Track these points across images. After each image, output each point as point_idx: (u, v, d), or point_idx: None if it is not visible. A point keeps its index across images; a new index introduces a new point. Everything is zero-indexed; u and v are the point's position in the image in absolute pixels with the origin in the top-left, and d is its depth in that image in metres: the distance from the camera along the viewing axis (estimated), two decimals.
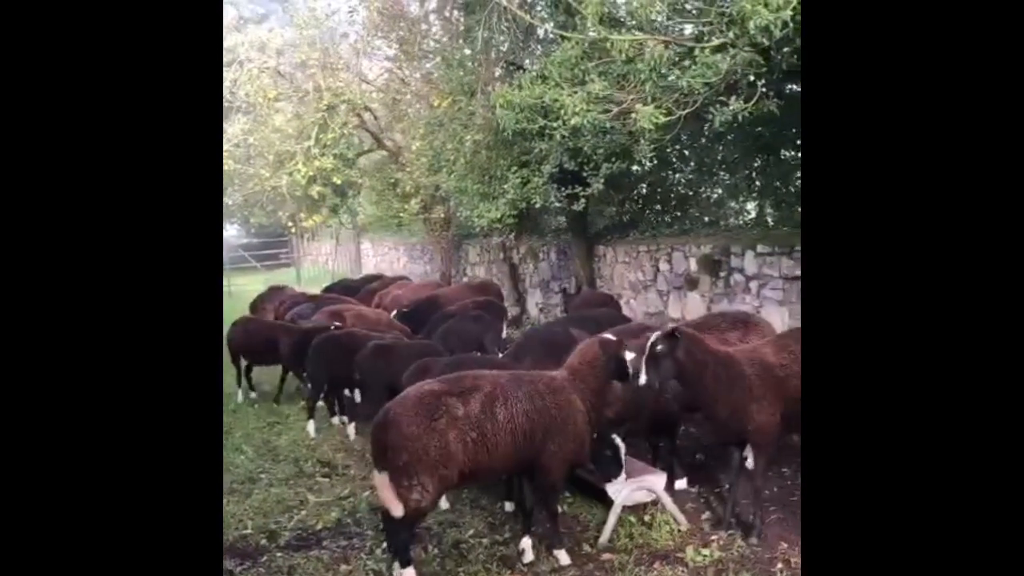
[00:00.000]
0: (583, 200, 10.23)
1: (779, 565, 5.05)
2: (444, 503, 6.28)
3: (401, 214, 16.79)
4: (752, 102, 6.34)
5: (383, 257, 24.12)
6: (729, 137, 11.09)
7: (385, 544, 5.29)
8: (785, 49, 7.35)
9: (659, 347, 5.10)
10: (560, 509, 5.60)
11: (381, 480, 4.73)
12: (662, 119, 6.20)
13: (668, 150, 12.03)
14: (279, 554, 5.66)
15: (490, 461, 4.86)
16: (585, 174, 9.80)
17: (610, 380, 5.38)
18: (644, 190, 13.33)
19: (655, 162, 12.39)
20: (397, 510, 4.66)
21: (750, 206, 12.14)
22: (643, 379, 5.10)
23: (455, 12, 11.64)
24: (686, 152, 12.36)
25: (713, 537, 5.44)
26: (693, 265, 10.53)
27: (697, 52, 6.19)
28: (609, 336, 5.50)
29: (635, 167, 11.96)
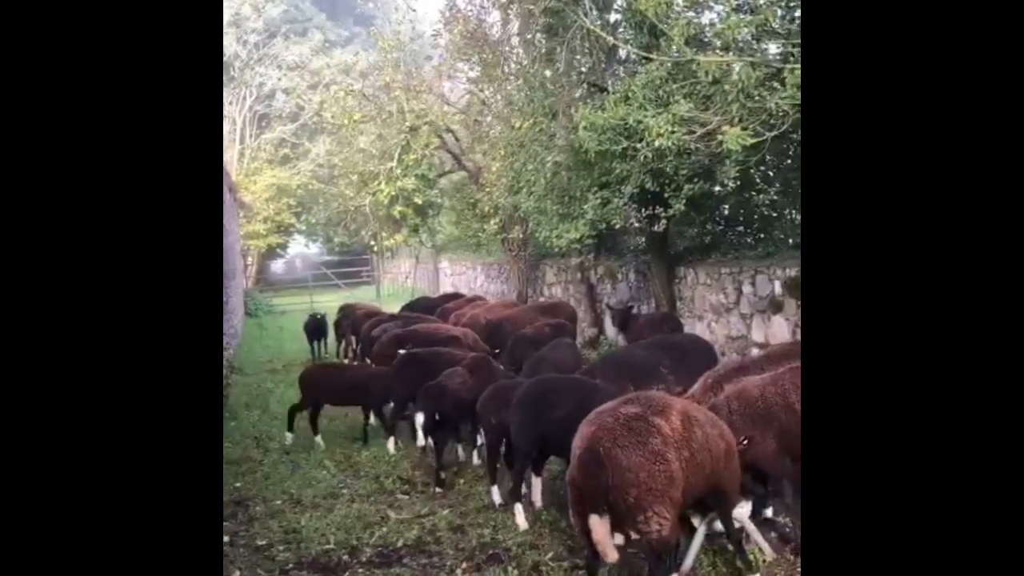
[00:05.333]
0: (664, 221, 10.16)
1: None
2: (524, 524, 6.28)
3: (480, 234, 16.94)
4: None
5: (461, 276, 24.35)
6: None
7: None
8: None
9: None
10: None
11: (598, 524, 4.35)
12: (749, 141, 6.11)
13: (752, 171, 11.85)
14: (360, 570, 5.74)
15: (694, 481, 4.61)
16: (667, 195, 9.73)
17: None
18: (727, 211, 13.12)
19: (738, 183, 12.33)
20: (613, 555, 4.36)
21: None
22: None
23: (537, 34, 11.73)
24: (770, 173, 12.12)
25: (798, 568, 5.28)
26: (778, 288, 10.30)
27: (786, 73, 6.10)
28: None
29: (717, 188, 11.85)
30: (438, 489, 7.38)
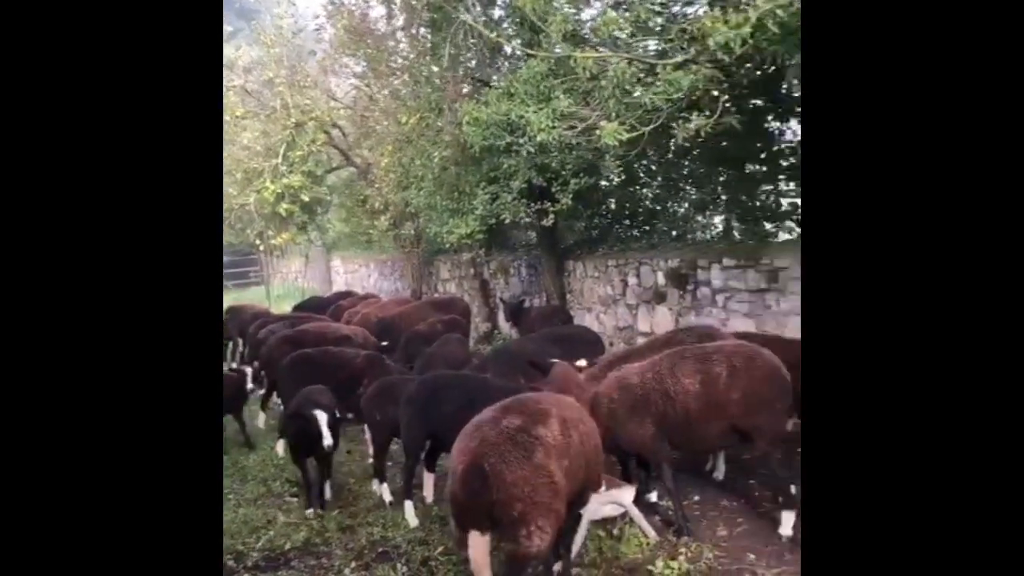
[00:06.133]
0: (552, 215, 10.31)
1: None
2: (414, 520, 6.27)
3: (371, 231, 16.74)
4: (714, 118, 6.42)
5: (354, 274, 24.02)
6: (695, 152, 11.21)
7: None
8: (748, 65, 7.49)
9: None
10: None
11: (476, 541, 4.26)
12: (625, 135, 6.26)
13: (635, 165, 12.15)
14: (246, 575, 5.61)
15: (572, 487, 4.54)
16: (554, 189, 9.87)
17: None
18: (613, 205, 13.43)
19: (623, 177, 12.64)
20: (480, 573, 4.26)
21: (717, 220, 12.26)
22: None
23: (422, 29, 11.68)
24: (653, 167, 12.47)
25: (682, 550, 5.46)
26: (661, 279, 10.60)
27: (659, 69, 6.27)
28: None
29: (603, 182, 12.11)
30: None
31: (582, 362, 6.99)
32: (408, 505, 6.37)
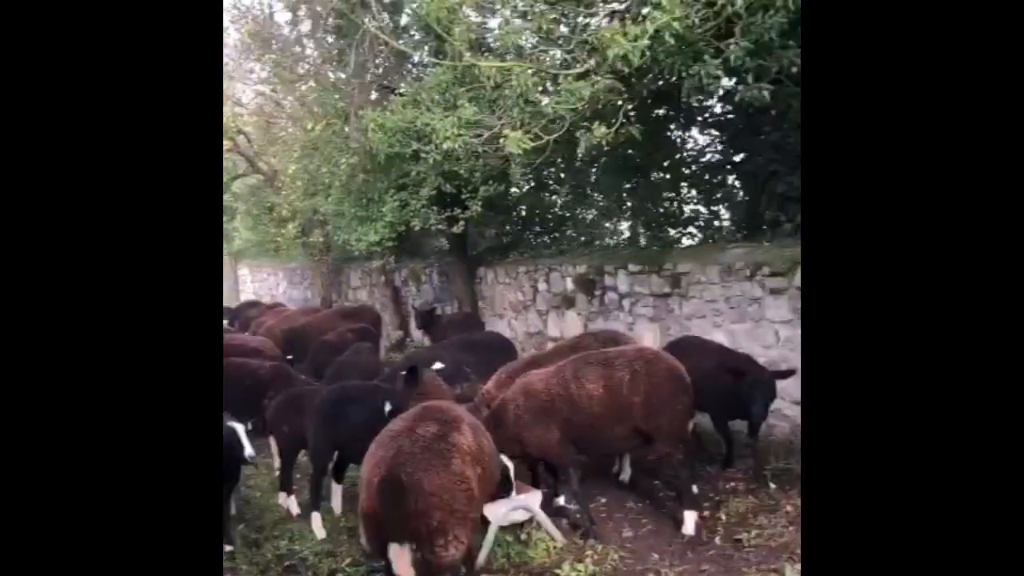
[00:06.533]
0: (462, 222, 10.35)
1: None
2: (321, 532, 6.18)
3: (278, 239, 16.41)
4: (615, 127, 6.56)
5: (262, 283, 23.51)
6: (602, 160, 11.42)
7: None
8: (649, 76, 7.68)
9: None
10: None
11: (400, 555, 4.17)
12: (530, 144, 6.33)
13: (544, 173, 12.30)
14: None
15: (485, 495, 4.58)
16: (464, 197, 9.91)
17: None
18: (523, 212, 13.54)
19: (532, 185, 12.77)
20: None
21: (624, 226, 12.50)
22: None
23: (328, 36, 11.55)
24: (562, 175, 12.63)
25: (588, 552, 5.54)
26: (570, 285, 10.75)
27: (561, 79, 6.38)
28: None
29: (513, 190, 12.20)
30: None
31: (438, 365, 7.06)
32: (315, 517, 6.27)
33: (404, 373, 5.98)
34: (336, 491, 6.79)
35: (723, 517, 5.91)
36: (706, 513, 6.00)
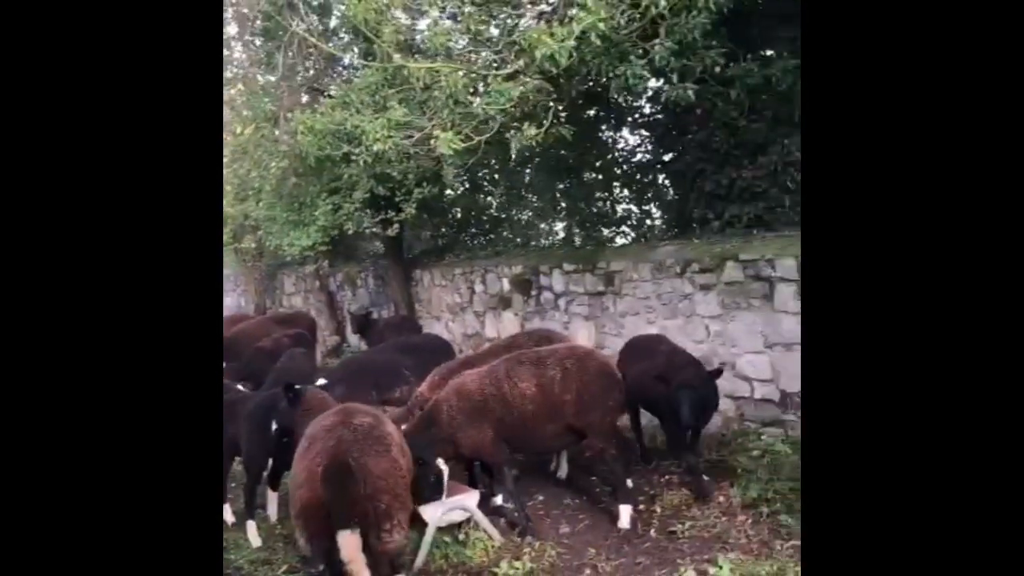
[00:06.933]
0: (397, 225, 10.30)
1: (587, 571, 5.26)
2: (256, 540, 6.09)
3: None
4: (545, 127, 6.61)
5: None
6: (536, 161, 11.50)
7: None
8: (577, 76, 7.76)
9: None
10: None
11: (349, 541, 4.14)
12: (461, 145, 6.34)
13: (478, 175, 12.34)
14: None
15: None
16: (398, 199, 9.85)
17: None
18: (458, 214, 13.55)
19: (466, 187, 12.78)
20: (361, 574, 4.15)
21: (559, 227, 12.62)
22: None
23: (256, 38, 11.38)
24: (496, 176, 12.69)
25: (526, 550, 5.57)
26: (506, 285, 10.80)
27: (491, 80, 6.41)
28: None
29: (448, 191, 12.20)
30: None
31: (321, 380, 7.07)
32: (251, 525, 6.18)
33: (284, 391, 5.93)
34: (272, 499, 6.70)
35: (658, 510, 6.00)
36: (641, 507, 6.09)
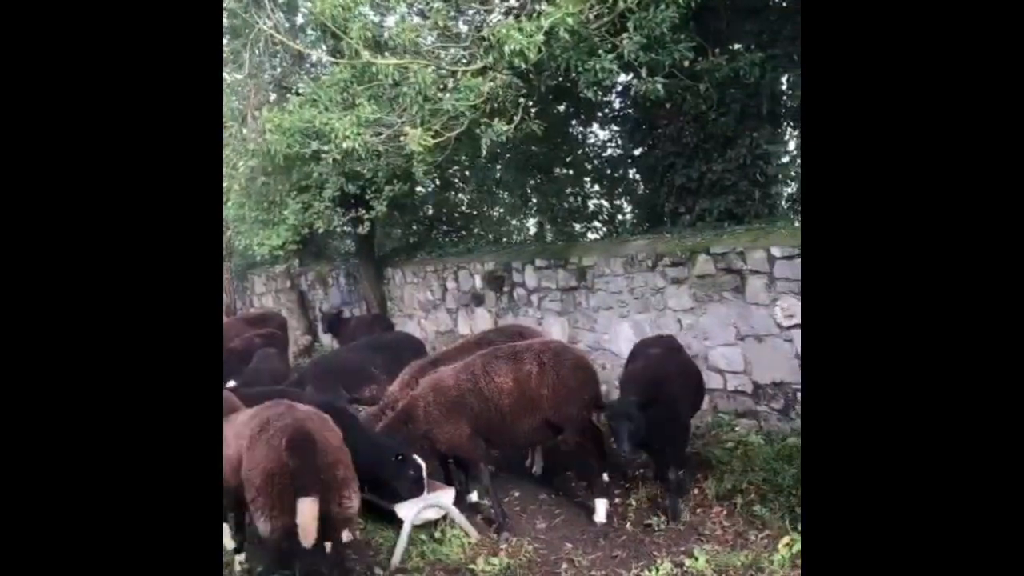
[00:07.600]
0: (368, 223, 10.22)
1: (564, 565, 5.27)
2: (230, 543, 6.01)
3: None
4: (515, 124, 6.60)
5: None
6: (506, 157, 11.49)
7: None
8: (546, 71, 7.76)
9: None
10: (354, 535, 5.54)
11: (309, 507, 4.36)
12: (431, 141, 6.32)
13: (449, 172, 12.29)
14: None
15: None
16: (368, 197, 9.79)
17: None
18: (430, 211, 13.51)
19: (437, 184, 12.73)
20: (312, 537, 4.37)
21: (530, 223, 12.62)
22: None
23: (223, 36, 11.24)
24: (466, 173, 12.66)
25: (503, 546, 5.57)
26: (479, 282, 10.78)
27: (460, 76, 6.38)
28: None
29: (418, 189, 12.15)
30: None
31: (231, 383, 7.05)
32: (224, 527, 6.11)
33: None
34: None
35: (633, 503, 6.02)
36: (617, 500, 6.11)
